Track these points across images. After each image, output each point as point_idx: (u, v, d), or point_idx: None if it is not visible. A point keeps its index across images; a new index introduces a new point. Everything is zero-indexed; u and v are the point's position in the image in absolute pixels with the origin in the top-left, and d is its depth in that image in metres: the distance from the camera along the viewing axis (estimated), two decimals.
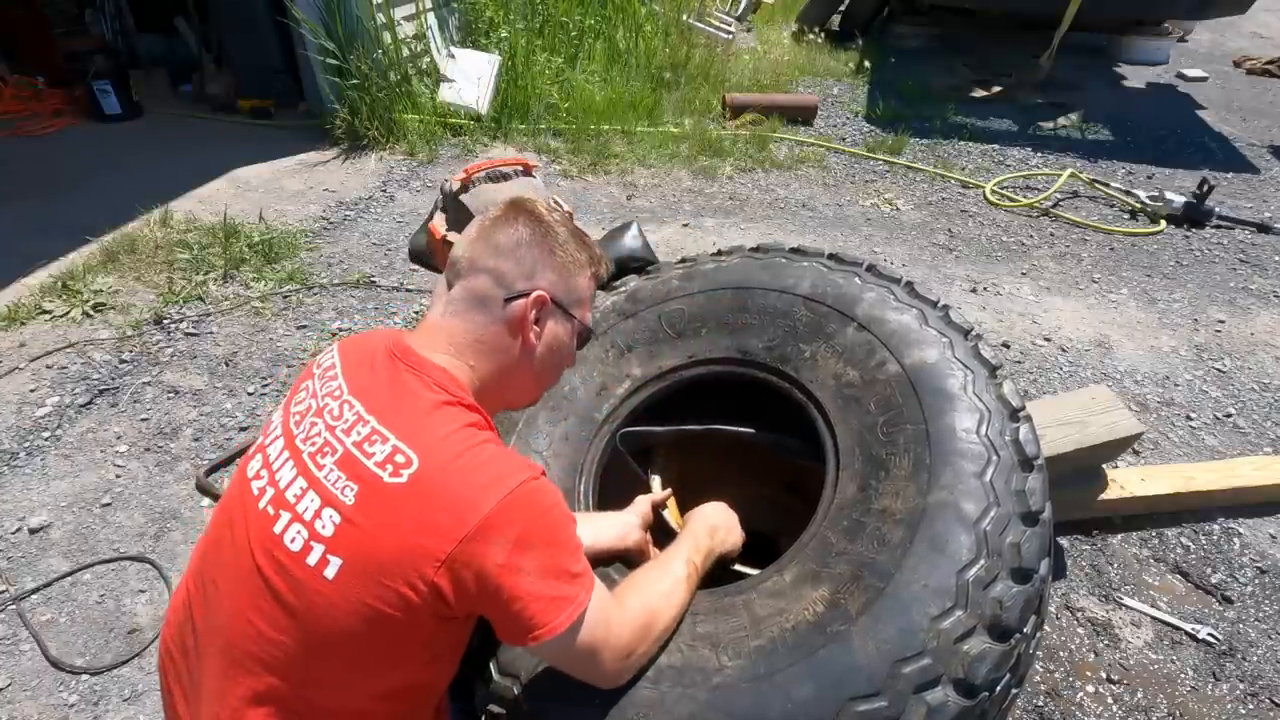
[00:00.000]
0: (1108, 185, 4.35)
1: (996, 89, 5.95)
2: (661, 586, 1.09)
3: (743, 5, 7.11)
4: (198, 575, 1.01)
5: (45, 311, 2.98)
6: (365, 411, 0.95)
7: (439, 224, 2.01)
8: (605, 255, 1.15)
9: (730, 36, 6.34)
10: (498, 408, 1.11)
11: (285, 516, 0.92)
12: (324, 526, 0.90)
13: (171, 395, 2.62)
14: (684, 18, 6.28)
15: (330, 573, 0.88)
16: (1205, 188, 3.98)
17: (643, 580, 1.10)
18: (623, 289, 1.70)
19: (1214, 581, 2.01)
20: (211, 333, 2.95)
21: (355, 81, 4.46)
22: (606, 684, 1.01)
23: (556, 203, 2.71)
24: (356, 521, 0.89)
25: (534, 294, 1.03)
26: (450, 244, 1.67)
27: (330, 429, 0.96)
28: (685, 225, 3.90)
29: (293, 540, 0.91)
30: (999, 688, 1.01)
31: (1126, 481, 2.14)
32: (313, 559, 0.89)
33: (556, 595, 0.89)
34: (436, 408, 0.95)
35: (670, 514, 1.54)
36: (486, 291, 1.03)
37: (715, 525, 1.27)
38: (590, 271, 1.11)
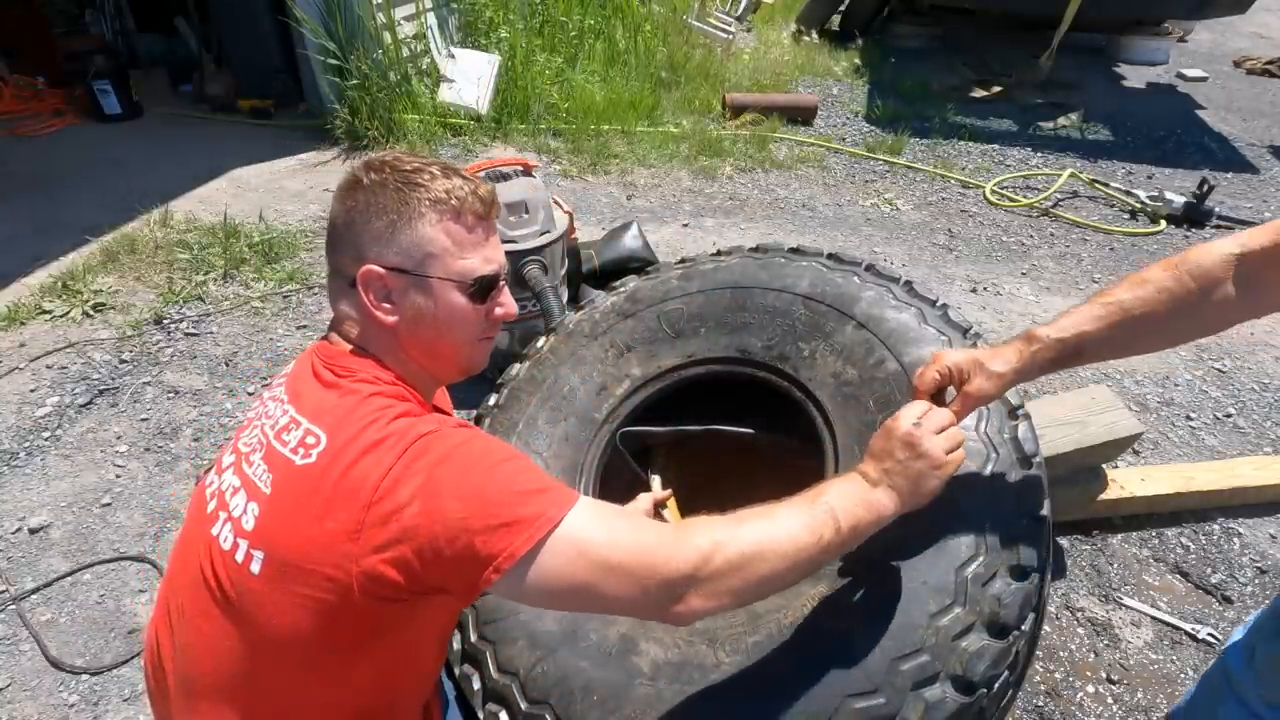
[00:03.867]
0: (1108, 185, 4.35)
1: (996, 89, 5.96)
2: (769, 528, 0.87)
3: (743, 5, 7.11)
4: (164, 605, 0.98)
5: (45, 311, 2.99)
6: (289, 404, 0.94)
7: None
8: (475, 182, 0.97)
9: (730, 36, 6.34)
10: (430, 382, 1.04)
11: (221, 517, 0.91)
12: (247, 521, 0.88)
13: (171, 395, 2.62)
14: (684, 18, 6.29)
15: (256, 568, 0.86)
16: (1205, 188, 3.98)
17: (751, 512, 0.90)
18: (622, 289, 1.70)
19: (1214, 581, 2.00)
20: (211, 333, 2.95)
21: (355, 81, 4.46)
22: (649, 612, 0.85)
23: (557, 202, 2.73)
24: (272, 510, 0.87)
25: (361, 272, 0.93)
26: None
27: (263, 429, 0.95)
28: (685, 225, 3.90)
29: (225, 539, 0.90)
30: (997, 685, 1.01)
31: (1126, 481, 2.14)
32: (240, 555, 0.87)
33: (506, 521, 0.80)
34: (349, 391, 0.92)
35: (670, 513, 1.55)
36: (337, 282, 0.99)
37: (904, 462, 0.95)
38: (434, 214, 0.93)
